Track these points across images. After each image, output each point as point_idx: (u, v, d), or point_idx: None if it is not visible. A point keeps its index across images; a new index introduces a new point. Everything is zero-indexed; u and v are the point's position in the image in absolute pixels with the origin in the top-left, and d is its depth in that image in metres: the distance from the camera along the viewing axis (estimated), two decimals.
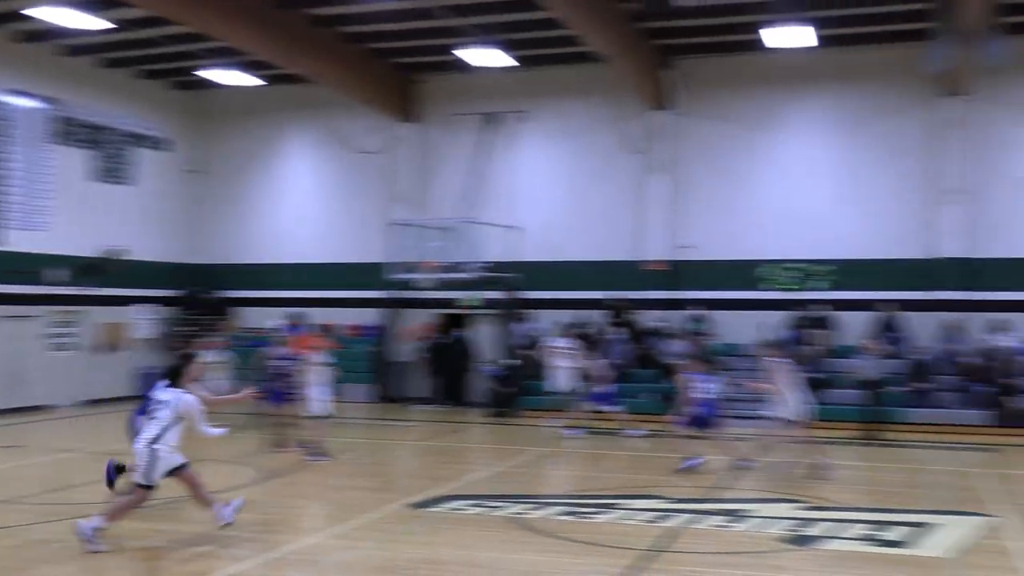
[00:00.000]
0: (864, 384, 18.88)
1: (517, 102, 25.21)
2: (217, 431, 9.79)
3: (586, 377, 18.89)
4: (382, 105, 25.47)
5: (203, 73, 25.50)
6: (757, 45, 22.04)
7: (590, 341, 21.07)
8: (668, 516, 11.08)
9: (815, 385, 20.71)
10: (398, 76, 25.70)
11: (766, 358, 13.84)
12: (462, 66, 24.37)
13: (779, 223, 23.12)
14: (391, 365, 25.26)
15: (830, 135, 23.28)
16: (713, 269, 23.55)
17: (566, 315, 23.63)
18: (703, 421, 14.35)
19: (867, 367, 18.79)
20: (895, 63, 22.29)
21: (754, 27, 21.12)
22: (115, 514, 9.48)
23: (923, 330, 21.81)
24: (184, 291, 27.34)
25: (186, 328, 27.16)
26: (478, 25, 21.78)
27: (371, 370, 24.99)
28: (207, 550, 9.51)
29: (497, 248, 24.38)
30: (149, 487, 9.47)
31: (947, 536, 10.23)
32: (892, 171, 22.62)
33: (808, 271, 22.96)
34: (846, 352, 21.43)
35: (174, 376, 9.78)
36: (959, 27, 18.71)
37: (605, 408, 18.62)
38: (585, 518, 11.05)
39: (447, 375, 24.57)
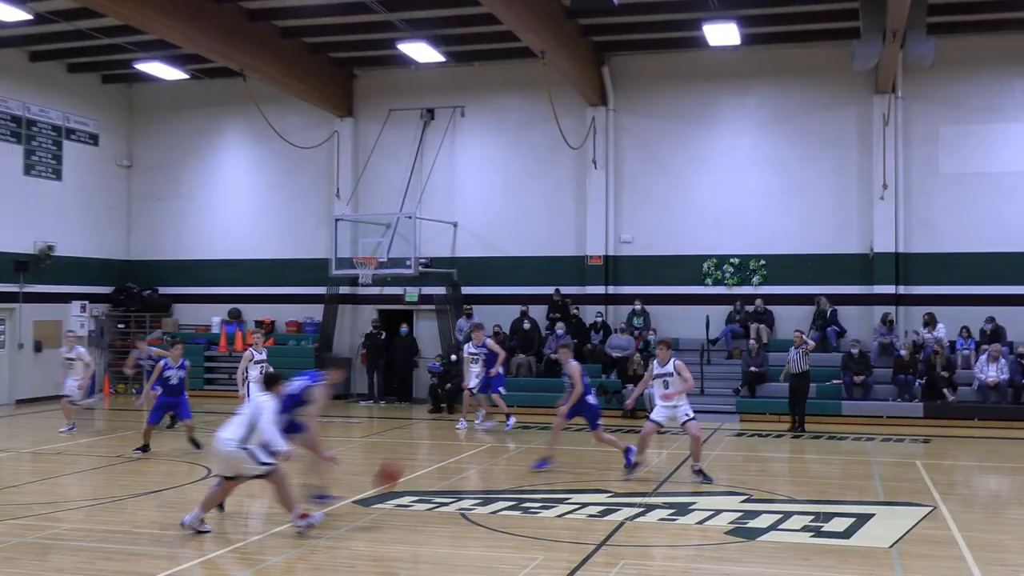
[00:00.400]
0: (794, 377, 19.15)
1: (456, 98, 25.13)
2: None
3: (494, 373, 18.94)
4: (320, 100, 25.21)
5: (136, 66, 24.99)
6: (692, 42, 22.27)
7: (505, 339, 21.04)
8: (614, 510, 11.13)
9: (757, 379, 21.15)
10: (336, 71, 25.45)
11: (675, 358, 13.30)
12: (401, 61, 24.23)
13: (717, 218, 23.37)
14: (331, 361, 25.00)
15: (764, 131, 23.58)
16: (651, 263, 23.74)
17: (507, 310, 23.68)
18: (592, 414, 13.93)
19: (796, 360, 19.07)
20: (826, 61, 22.66)
21: (689, 24, 21.32)
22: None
23: (858, 324, 22.23)
24: (118, 288, 26.79)
25: (120, 326, 26.71)
26: (416, 20, 21.68)
27: (311, 366, 24.70)
28: (148, 550, 9.34)
29: (437, 244, 24.35)
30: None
31: (888, 526, 10.41)
32: (825, 167, 22.99)
33: (745, 265, 23.24)
34: (782, 346, 21.76)
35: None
36: (885, 26, 19.07)
37: (495, 393, 18.80)
38: (531, 513, 11.05)
39: (387, 371, 24.45)
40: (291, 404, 10.49)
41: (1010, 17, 21.09)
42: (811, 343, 19.96)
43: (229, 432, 9.73)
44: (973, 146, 22.35)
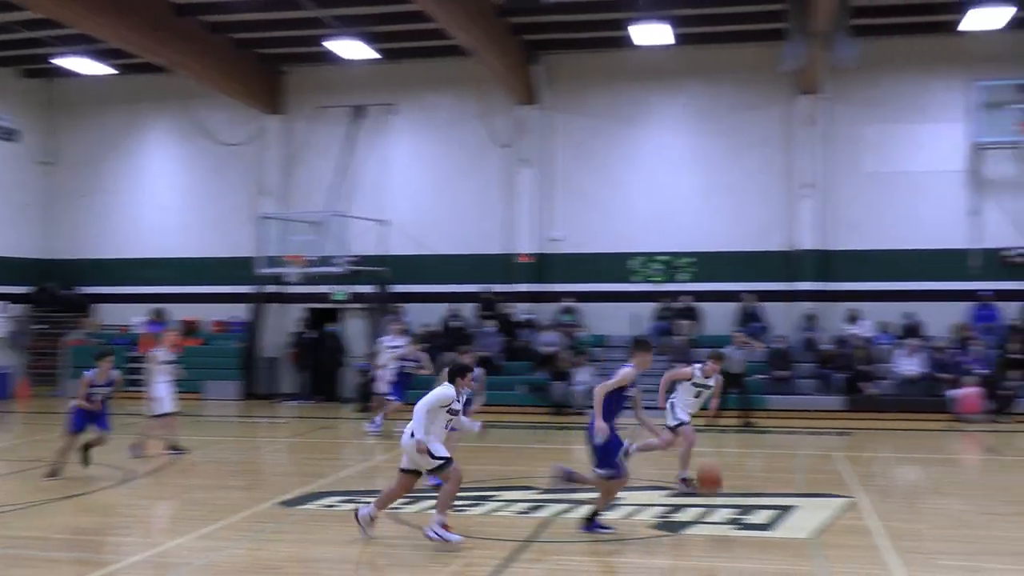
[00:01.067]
0: (732, 376, 19.43)
1: (385, 95, 25.03)
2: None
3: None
4: (247, 96, 24.91)
5: (56, 61, 24.44)
6: (622, 42, 22.46)
7: (421, 338, 20.84)
8: (541, 507, 11.17)
9: None
10: (264, 67, 25.18)
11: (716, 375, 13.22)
12: (330, 58, 24.06)
13: (645, 216, 23.61)
14: (259, 361, 24.76)
15: (692, 130, 23.89)
16: (581, 261, 23.89)
17: (438, 309, 23.64)
18: None
19: (736, 358, 19.36)
20: (752, 61, 23.03)
21: (619, 24, 21.49)
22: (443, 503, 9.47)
23: (782, 320, 22.62)
24: (37, 288, 26.17)
25: (40, 326, 26.11)
26: (345, 17, 21.55)
27: (238, 366, 24.45)
28: (65, 555, 9.14)
29: (366, 242, 24.22)
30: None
31: (809, 518, 10.59)
32: (751, 166, 23.37)
33: (674, 263, 23.51)
34: (710, 343, 22.04)
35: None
36: (811, 28, 19.44)
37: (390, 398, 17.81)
38: (459, 511, 11.02)
39: (316, 370, 24.25)
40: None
41: (930, 20, 21.63)
42: (759, 345, 20.38)
43: (410, 425, 9.43)
44: (894, 146, 22.92)
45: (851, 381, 20.62)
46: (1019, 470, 14.98)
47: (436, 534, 9.28)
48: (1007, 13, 20.26)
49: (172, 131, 26.45)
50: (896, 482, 14.20)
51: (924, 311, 22.05)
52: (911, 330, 21.58)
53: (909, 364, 20.66)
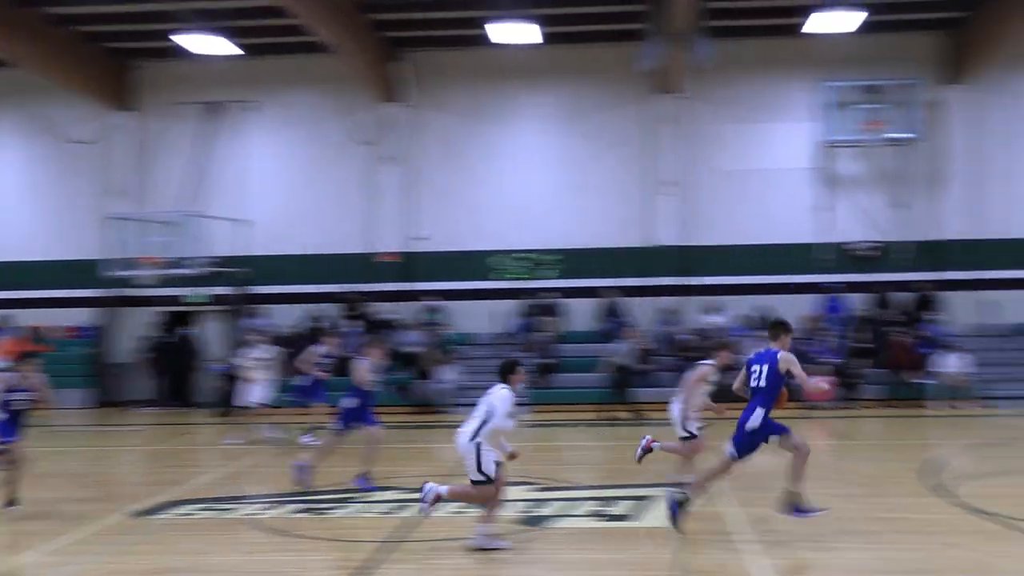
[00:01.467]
0: (618, 369, 19.70)
1: (244, 91, 24.46)
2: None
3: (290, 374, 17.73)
4: (95, 92, 23.96)
5: None
6: (486, 40, 22.48)
7: (290, 342, 20.49)
8: (404, 507, 11.07)
9: (547, 370, 21.58)
10: (112, 61, 24.26)
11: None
12: (183, 53, 23.30)
13: (510, 214, 23.73)
14: (110, 367, 23.85)
15: (555, 128, 24.13)
16: (446, 260, 23.83)
17: (298, 310, 23.22)
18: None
19: (622, 352, 19.65)
20: (613, 61, 23.39)
21: (482, 22, 21.51)
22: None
23: (643, 314, 23.04)
24: None
25: None
26: (199, 10, 20.92)
27: (88, 373, 23.48)
28: None
29: (225, 242, 23.56)
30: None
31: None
32: (613, 164, 23.76)
33: (537, 260, 23.69)
34: (575, 338, 22.42)
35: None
36: (669, 29, 19.86)
37: (310, 402, 16.99)
38: (321, 514, 10.85)
39: (172, 375, 23.49)
40: None
41: (781, 23, 22.37)
42: (638, 336, 20.74)
43: (465, 425, 9.00)
44: (749, 144, 23.67)
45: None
46: (867, 453, 15.60)
47: (487, 542, 9.00)
48: (858, 17, 21.14)
49: (14, 128, 25.22)
50: (755, 469, 14.58)
51: (778, 304, 22.77)
52: (765, 322, 22.26)
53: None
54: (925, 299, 22.65)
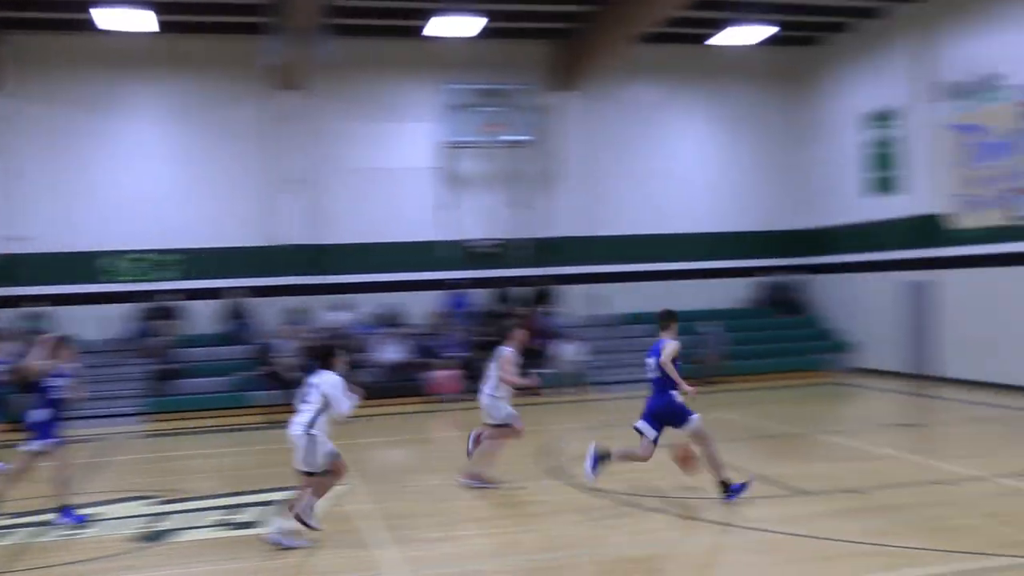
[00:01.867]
0: (280, 370, 19.02)
1: None
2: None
3: None
4: None
5: None
6: (93, 25, 20.87)
7: None
8: (9, 532, 10.00)
9: (166, 376, 20.46)
10: None
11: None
12: None
13: (124, 212, 22.25)
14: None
15: (174, 122, 22.93)
16: (53, 261, 21.91)
17: None
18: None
19: (284, 352, 18.96)
20: (235, 54, 22.59)
21: (88, 6, 19.97)
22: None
23: (269, 314, 22.50)
24: None
25: None
26: None
27: None
28: None
29: None
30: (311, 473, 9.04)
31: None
32: (234, 160, 22.98)
33: (155, 260, 22.42)
34: (199, 341, 21.46)
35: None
36: (292, 24, 19.52)
37: None
38: None
39: None
40: None
41: (404, 25, 22.64)
42: (295, 334, 20.09)
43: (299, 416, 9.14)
44: (376, 143, 23.79)
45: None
46: None
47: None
48: (477, 24, 21.90)
49: None
50: (385, 465, 14.70)
51: (406, 301, 23.23)
52: (392, 319, 22.61)
53: (392, 352, 21.60)
54: (543, 293, 23.99)
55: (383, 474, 13.62)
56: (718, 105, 25.91)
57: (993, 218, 19.58)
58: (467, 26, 22.15)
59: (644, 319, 23.90)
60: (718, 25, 23.56)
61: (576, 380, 21.92)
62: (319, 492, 9.24)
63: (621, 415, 18.32)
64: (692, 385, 10.21)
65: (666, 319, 10.57)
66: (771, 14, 22.75)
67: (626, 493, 10.85)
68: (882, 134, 23.08)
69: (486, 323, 22.43)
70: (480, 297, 23.90)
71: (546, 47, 24.65)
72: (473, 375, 21.11)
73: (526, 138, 24.26)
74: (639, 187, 25.22)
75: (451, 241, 24.08)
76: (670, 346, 10.25)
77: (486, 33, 22.78)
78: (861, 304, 23.83)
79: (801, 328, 25.27)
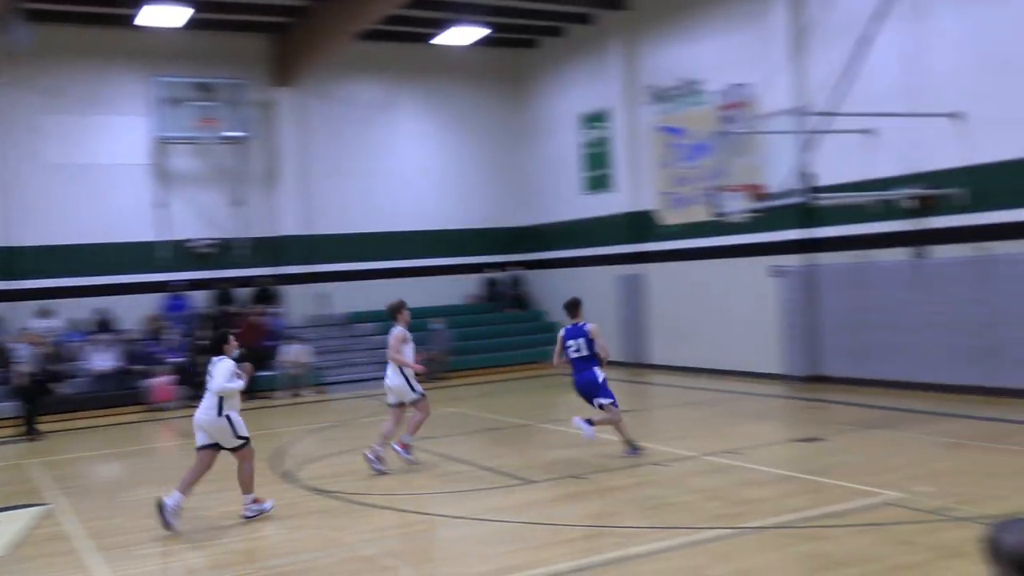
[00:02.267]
0: (28, 377, 17.29)
1: None
2: None
3: None
4: None
5: None
6: None
7: None
8: None
9: None
10: None
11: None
12: None
13: None
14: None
15: None
16: None
17: None
18: None
19: (29, 360, 17.23)
20: None
21: None
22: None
23: None
24: None
25: None
26: None
27: None
28: None
29: None
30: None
31: (1, 532, 9.71)
32: None
33: None
34: None
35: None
36: None
37: None
38: None
39: None
40: None
41: (109, 12, 21.38)
42: (41, 341, 18.27)
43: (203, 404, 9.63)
44: (81, 137, 22.33)
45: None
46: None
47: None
48: (184, 13, 20.95)
49: None
50: (95, 481, 13.81)
51: (120, 305, 21.92)
52: (104, 325, 21.27)
53: (102, 359, 20.33)
54: (265, 293, 23.36)
55: (95, 489, 12.78)
56: (440, 104, 26.25)
57: (696, 214, 20.96)
58: (175, 16, 21.19)
59: (369, 318, 24.05)
60: (440, 25, 23.86)
61: (303, 381, 21.51)
62: (247, 473, 9.85)
63: (351, 414, 18.24)
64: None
65: (572, 307, 12.33)
66: (489, 16, 23.31)
67: (357, 493, 10.75)
68: (596, 135, 24.19)
69: (205, 326, 21.54)
70: (200, 299, 22.97)
71: (262, 41, 24.05)
72: (193, 381, 20.29)
73: (243, 135, 23.50)
74: (362, 185, 25.12)
75: (168, 241, 23.00)
76: (593, 327, 12.10)
77: (198, 24, 21.96)
78: (580, 297, 24.84)
79: (525, 322, 26.06)
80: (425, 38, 24.88)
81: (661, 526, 8.84)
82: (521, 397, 19.93)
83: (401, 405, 12.16)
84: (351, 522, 9.61)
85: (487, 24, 23.90)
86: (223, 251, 23.57)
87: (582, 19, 24.05)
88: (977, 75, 15.26)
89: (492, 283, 26.44)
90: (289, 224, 24.24)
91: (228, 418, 9.63)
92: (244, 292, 23.35)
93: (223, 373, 9.54)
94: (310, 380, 21.61)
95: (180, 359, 20.69)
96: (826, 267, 18.07)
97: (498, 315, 25.85)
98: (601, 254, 23.97)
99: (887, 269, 16.79)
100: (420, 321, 23.64)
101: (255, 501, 9.82)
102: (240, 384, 9.69)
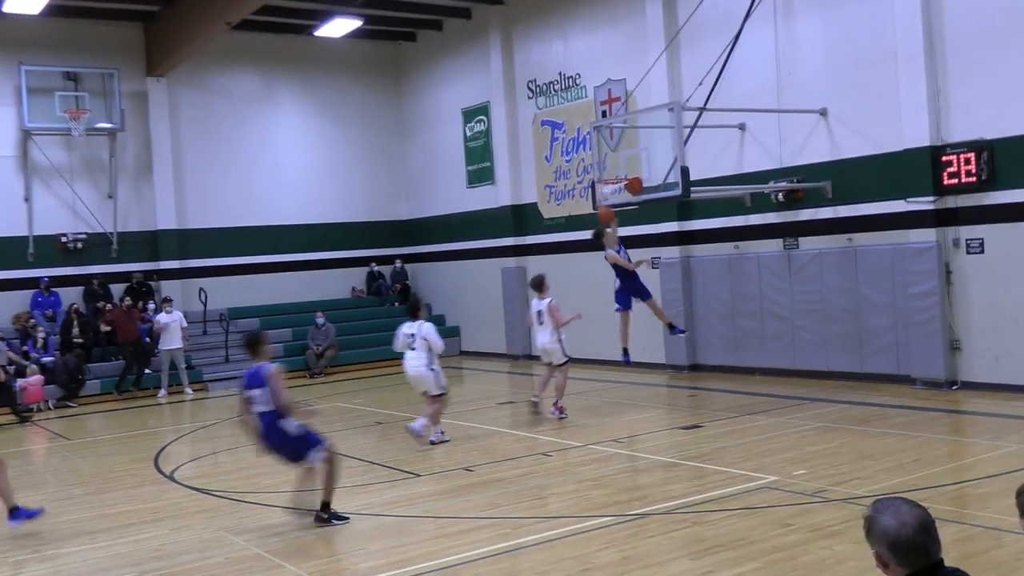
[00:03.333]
0: None
1: None
2: None
3: None
4: None
5: None
6: None
7: None
8: None
9: None
10: None
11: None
12: None
13: None
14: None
15: None
16: None
17: None
18: None
19: None
20: None
21: None
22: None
23: None
24: None
25: None
26: None
27: None
28: None
29: None
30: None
31: None
32: None
33: None
34: None
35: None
36: None
37: None
38: None
39: None
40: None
41: None
42: None
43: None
44: None
45: None
46: (87, 452, 15.04)
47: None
48: (42, 0, 20.17)
49: None
50: None
51: None
52: None
53: None
54: (140, 288, 22.70)
55: None
56: (321, 96, 25.95)
57: (577, 207, 21.26)
58: (33, 3, 20.35)
59: (249, 313, 23.68)
60: (319, 16, 23.58)
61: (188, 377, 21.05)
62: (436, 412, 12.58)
63: (231, 412, 17.92)
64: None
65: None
66: (368, 8, 23.11)
67: (241, 492, 10.61)
68: (477, 128, 24.27)
69: (77, 323, 20.87)
70: (71, 296, 22.20)
71: (133, 30, 23.37)
72: (64, 380, 19.64)
73: (112, 125, 22.72)
74: (241, 178, 24.68)
75: (37, 236, 22.17)
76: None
77: (66, 12, 21.21)
78: (463, 290, 24.95)
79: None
80: (304, 29, 24.56)
81: (548, 516, 8.98)
82: (407, 391, 19.81)
83: (551, 365, 14.41)
84: (236, 521, 9.48)
85: (366, 16, 23.72)
86: (95, 246, 22.82)
87: (461, 13, 24.08)
88: (839, 73, 15.91)
89: (376, 277, 26.28)
90: (164, 218, 23.62)
91: (434, 371, 12.36)
92: (118, 287, 22.67)
93: (436, 334, 12.37)
94: (188, 374, 21.05)
95: (51, 357, 19.99)
96: (702, 258, 18.56)
97: (383, 309, 25.72)
98: (485, 247, 24.08)
99: (760, 259, 17.35)
100: (304, 316, 23.57)
101: (441, 432, 12.82)
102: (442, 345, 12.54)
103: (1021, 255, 13.84)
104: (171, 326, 20.51)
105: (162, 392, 20.53)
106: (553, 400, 14.38)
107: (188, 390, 20.77)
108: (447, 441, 12.86)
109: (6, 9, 20.50)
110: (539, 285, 14.42)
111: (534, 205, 22.65)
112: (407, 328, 12.63)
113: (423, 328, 12.48)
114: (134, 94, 23.24)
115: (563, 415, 14.18)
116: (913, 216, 14.96)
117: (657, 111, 16.56)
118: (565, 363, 14.43)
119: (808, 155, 16.47)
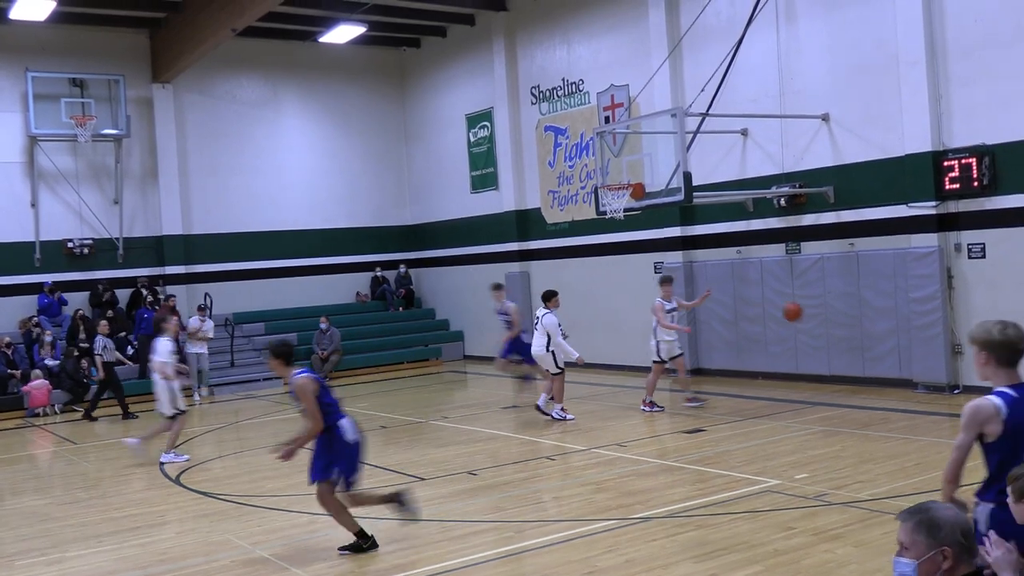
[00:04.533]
0: None
1: None
2: None
3: None
4: None
5: None
6: None
7: None
8: None
9: None
10: None
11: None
12: None
13: None
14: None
15: None
16: None
17: None
18: None
19: None
20: None
21: None
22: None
23: None
24: None
25: None
26: None
27: None
28: None
29: None
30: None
31: None
32: None
33: None
34: None
35: None
36: None
37: None
38: None
39: None
40: None
41: None
42: None
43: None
44: None
45: None
46: (93, 456, 15.13)
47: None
48: (48, 6, 20.26)
49: None
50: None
51: None
52: None
53: None
54: (147, 293, 22.76)
55: None
56: (326, 102, 26.05)
57: (580, 212, 21.32)
58: (46, 9, 20.46)
59: (253, 318, 23.76)
60: (323, 23, 23.68)
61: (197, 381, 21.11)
62: (558, 390, 14.40)
63: (238, 416, 18.02)
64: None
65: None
66: (373, 15, 23.20)
67: (247, 495, 10.67)
68: (481, 134, 24.35)
69: (81, 328, 20.95)
70: (78, 301, 22.30)
71: (139, 37, 23.48)
72: (71, 384, 19.71)
73: (118, 132, 22.84)
74: (246, 183, 24.78)
75: (46, 241, 22.29)
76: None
77: (72, 19, 21.30)
78: (467, 295, 25.01)
79: (414, 320, 26.09)
80: (309, 36, 24.67)
81: (551, 519, 9.04)
82: (412, 395, 19.98)
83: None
84: (242, 525, 9.55)
85: (370, 23, 23.81)
86: (101, 251, 22.93)
87: (465, 19, 24.16)
88: (841, 79, 15.97)
89: (381, 282, 26.36)
90: (170, 223, 23.72)
91: (552, 352, 13.98)
92: (124, 293, 22.76)
93: (554, 324, 13.97)
94: (203, 380, 21.09)
95: (56, 363, 20.08)
96: (705, 263, 18.61)
97: (387, 313, 25.80)
98: (489, 252, 24.14)
99: (763, 264, 17.40)
100: (309, 321, 23.64)
101: (563, 409, 14.23)
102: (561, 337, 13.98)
103: (1023, 259, 13.89)
104: (203, 330, 20.76)
105: (198, 396, 20.42)
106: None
107: (204, 392, 20.80)
108: (570, 419, 14.26)
109: (13, 16, 20.61)
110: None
111: (537, 210, 22.72)
112: (537, 312, 14.53)
113: (545, 317, 14.11)
114: (140, 100, 23.37)
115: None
116: (915, 221, 15.01)
117: (660, 117, 16.61)
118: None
119: (810, 160, 16.53)
